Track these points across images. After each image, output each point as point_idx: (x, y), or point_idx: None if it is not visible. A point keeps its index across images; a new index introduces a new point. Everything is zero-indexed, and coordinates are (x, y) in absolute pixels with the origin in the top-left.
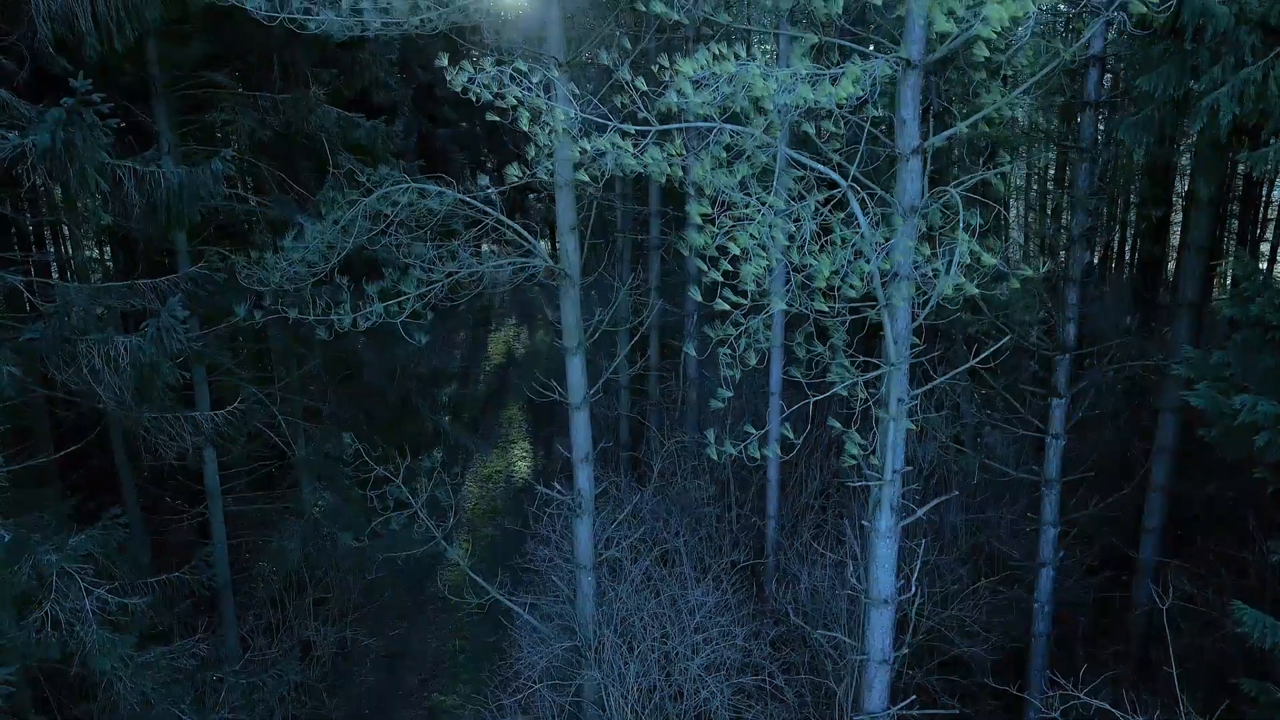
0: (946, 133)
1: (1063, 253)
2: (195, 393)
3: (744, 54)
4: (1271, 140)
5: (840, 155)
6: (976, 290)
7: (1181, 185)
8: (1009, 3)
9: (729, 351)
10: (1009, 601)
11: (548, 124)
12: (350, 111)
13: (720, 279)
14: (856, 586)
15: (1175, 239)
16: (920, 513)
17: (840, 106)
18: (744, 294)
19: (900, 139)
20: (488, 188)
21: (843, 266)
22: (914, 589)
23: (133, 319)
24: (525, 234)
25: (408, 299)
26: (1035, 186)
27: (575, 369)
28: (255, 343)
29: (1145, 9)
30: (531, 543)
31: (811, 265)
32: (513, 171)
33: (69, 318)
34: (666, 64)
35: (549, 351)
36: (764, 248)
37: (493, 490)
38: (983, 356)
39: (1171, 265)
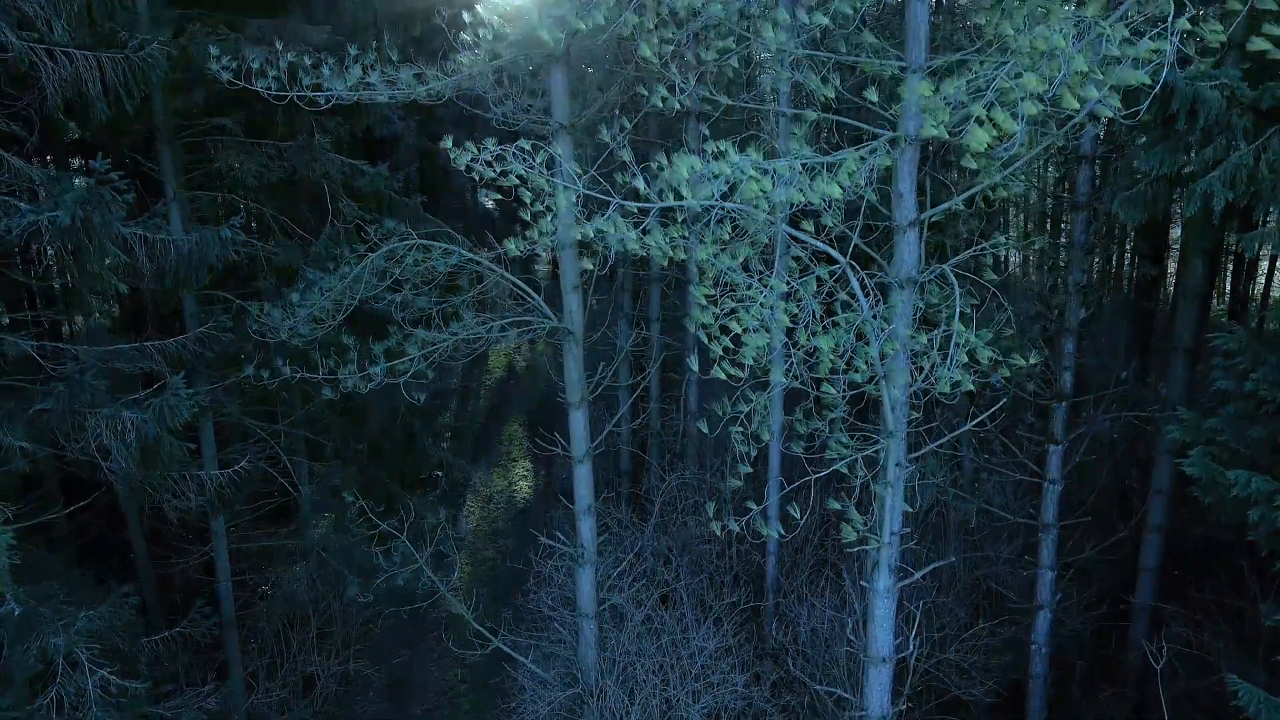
0: (942, 206)
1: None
2: (201, 443)
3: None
4: (1262, 221)
5: (841, 225)
6: (973, 386)
7: (1176, 232)
8: (988, 129)
9: (741, 430)
10: (1007, 642)
11: (550, 207)
12: (353, 140)
13: (721, 353)
14: (855, 643)
15: (1170, 283)
16: (918, 575)
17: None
18: (742, 366)
19: (897, 212)
20: (489, 250)
21: (845, 349)
22: (912, 647)
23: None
24: (530, 292)
25: (412, 359)
26: (1030, 225)
27: (578, 423)
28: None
29: (1113, 113)
30: (533, 581)
31: (815, 346)
32: (513, 246)
33: (79, 391)
34: (667, 155)
35: (550, 364)
36: (766, 328)
37: (494, 510)
38: (979, 420)
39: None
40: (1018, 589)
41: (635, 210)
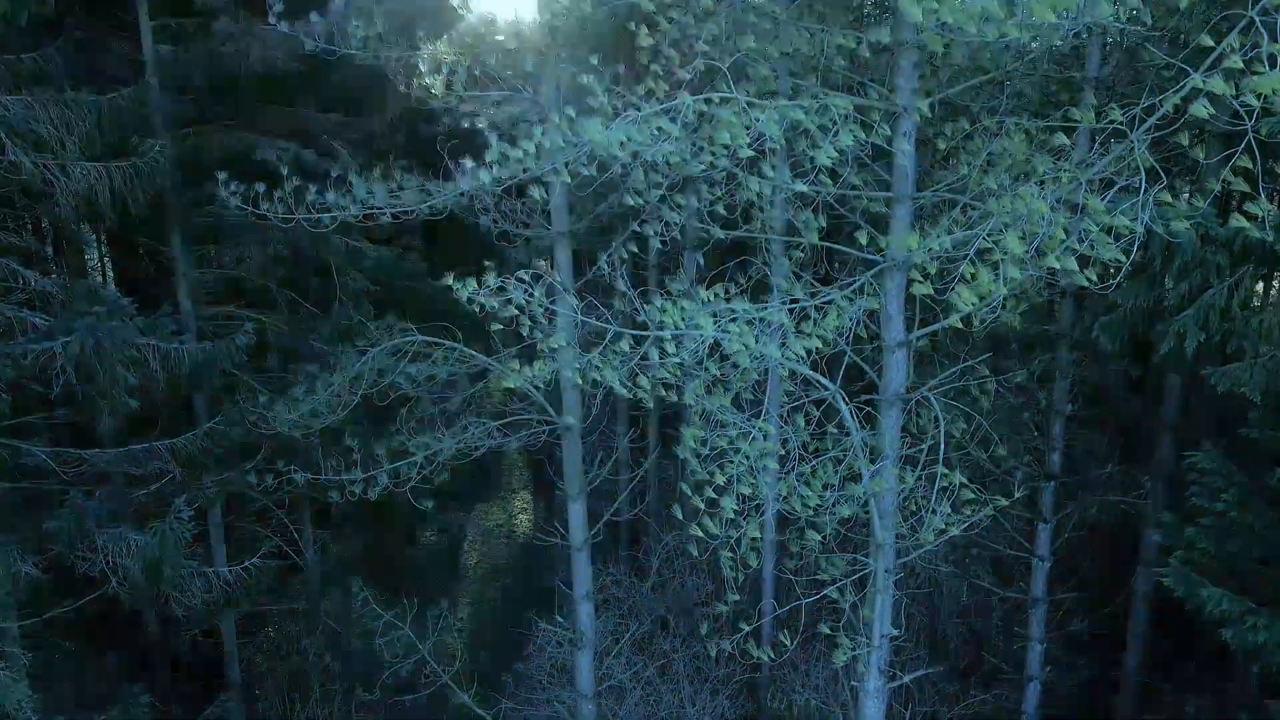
0: (931, 328)
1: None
2: (210, 537)
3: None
4: (1237, 358)
5: (832, 349)
6: (959, 531)
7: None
8: (970, 291)
9: (730, 555)
10: (999, 710)
11: (552, 346)
12: None
13: (702, 506)
14: None
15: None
16: (906, 679)
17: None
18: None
19: (886, 332)
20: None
21: (832, 488)
22: None
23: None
24: (531, 390)
25: (414, 469)
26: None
27: (576, 514)
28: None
29: (1092, 281)
30: (534, 646)
31: (802, 494)
32: (514, 380)
33: (88, 512)
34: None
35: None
36: (754, 473)
37: (494, 546)
38: (967, 525)
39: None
40: (1010, 658)
41: (631, 341)
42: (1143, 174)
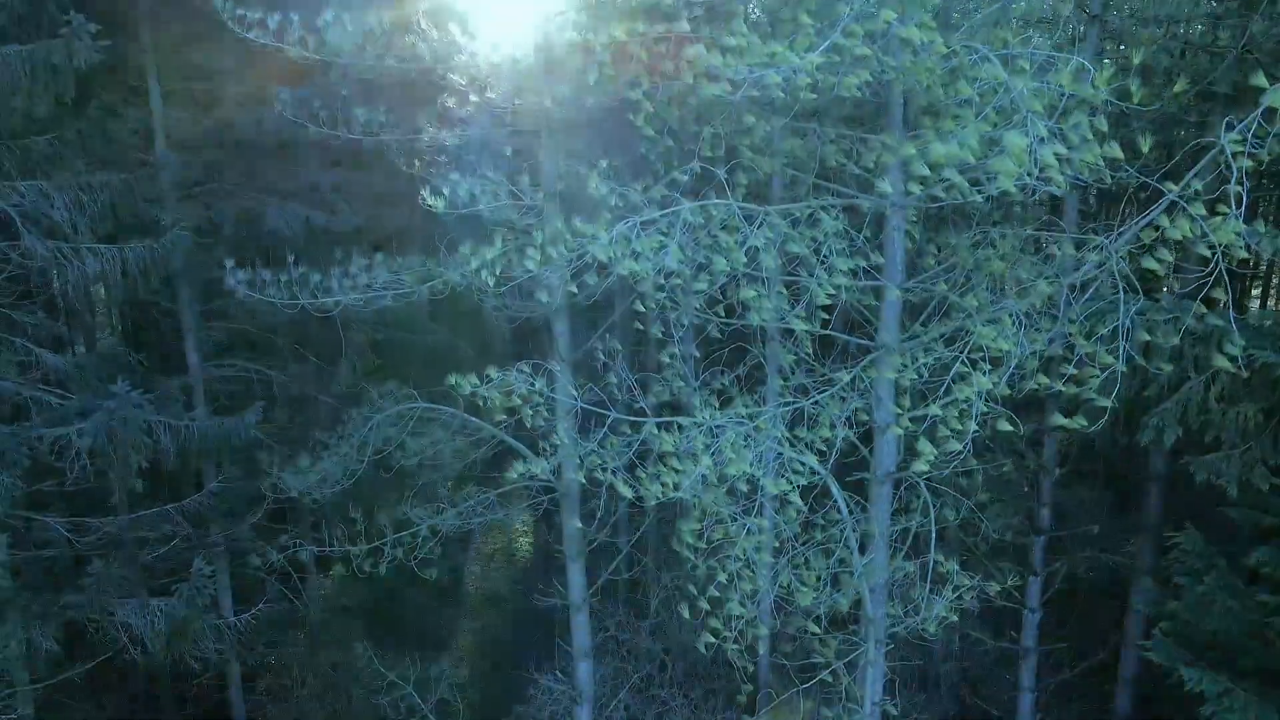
0: (919, 411)
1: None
2: (217, 585)
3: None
4: (1215, 446)
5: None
6: (957, 618)
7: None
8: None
9: (736, 647)
10: None
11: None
12: None
13: (707, 607)
14: None
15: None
16: None
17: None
18: (728, 622)
19: (877, 414)
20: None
21: (825, 579)
22: None
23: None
24: (528, 452)
25: (420, 542)
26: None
27: (575, 573)
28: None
29: (1080, 425)
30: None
31: (798, 588)
32: (516, 474)
33: (107, 583)
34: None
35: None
36: (751, 566)
37: (494, 571)
38: (958, 593)
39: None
40: (1002, 706)
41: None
42: (1121, 288)
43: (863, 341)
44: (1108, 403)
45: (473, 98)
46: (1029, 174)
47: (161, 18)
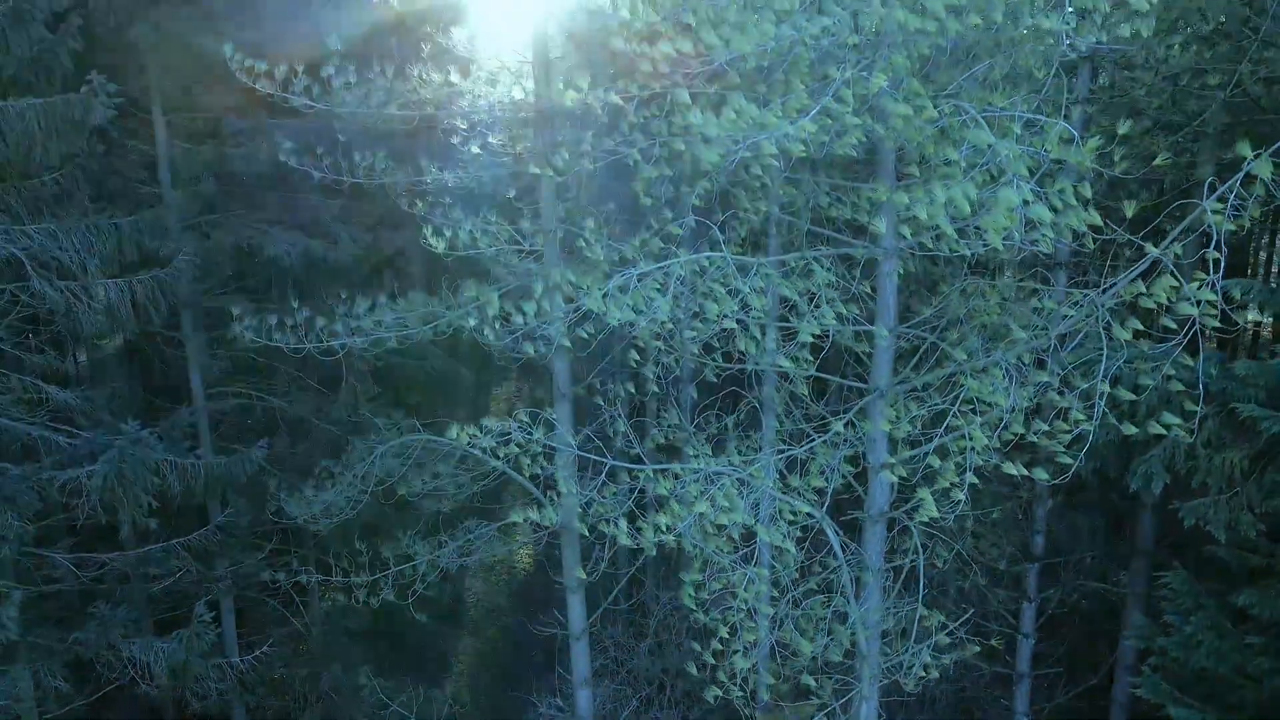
0: (913, 452)
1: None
2: (222, 623)
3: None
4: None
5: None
6: (938, 672)
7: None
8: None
9: (741, 694)
10: None
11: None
12: None
13: (713, 660)
14: None
15: None
16: None
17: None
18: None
19: (871, 454)
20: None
21: (823, 624)
22: None
23: None
24: (531, 487)
25: (420, 581)
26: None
27: (575, 605)
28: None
29: (1045, 478)
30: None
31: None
32: (517, 517)
33: (113, 622)
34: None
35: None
36: (751, 615)
37: (495, 583)
38: (949, 630)
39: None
40: None
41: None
42: (1104, 343)
43: (857, 384)
44: (1074, 460)
45: (474, 148)
46: (1016, 232)
47: (168, 63)
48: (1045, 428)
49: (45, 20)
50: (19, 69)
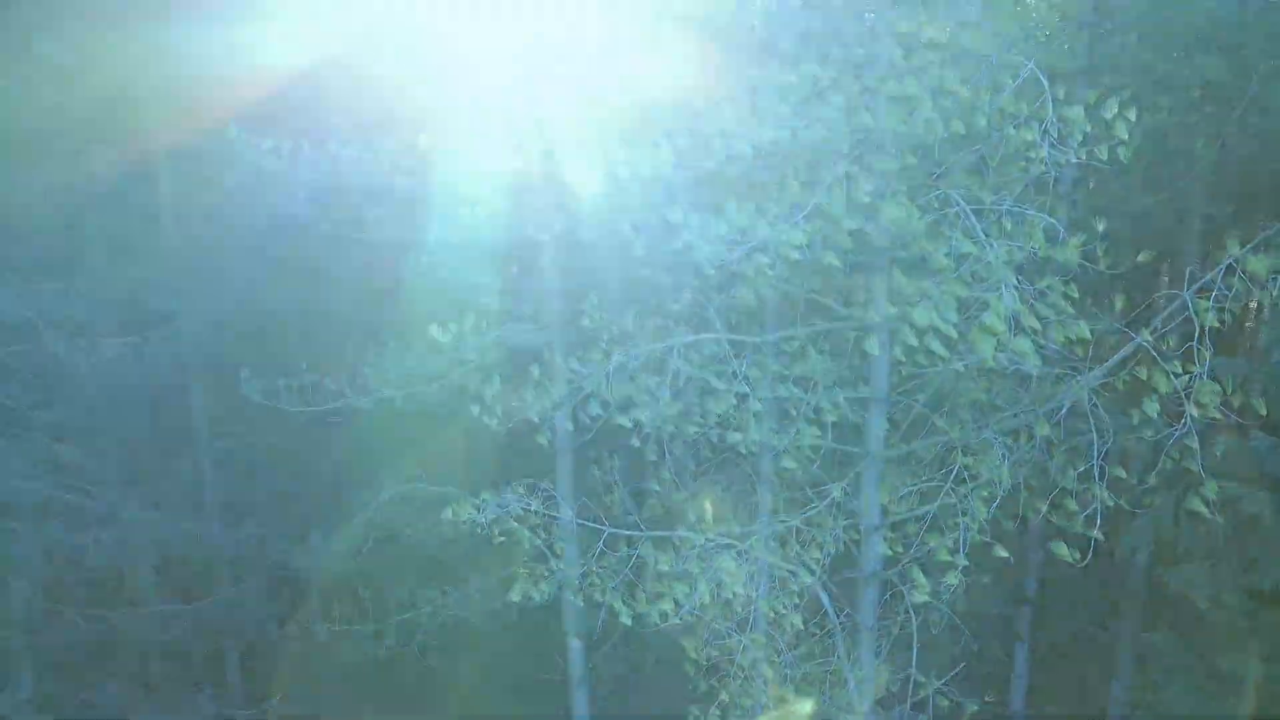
0: (906, 514)
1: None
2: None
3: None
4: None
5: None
6: None
7: None
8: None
9: None
10: None
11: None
12: None
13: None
14: None
15: None
16: None
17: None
18: None
19: (864, 517)
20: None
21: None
22: None
23: None
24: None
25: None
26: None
27: (575, 650)
28: None
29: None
30: None
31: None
32: (516, 593)
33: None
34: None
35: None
36: (749, 681)
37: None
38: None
39: None
40: None
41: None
42: (1093, 426)
43: (851, 449)
44: (1094, 534)
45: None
46: (1002, 350)
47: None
48: (1043, 507)
49: None
50: None
